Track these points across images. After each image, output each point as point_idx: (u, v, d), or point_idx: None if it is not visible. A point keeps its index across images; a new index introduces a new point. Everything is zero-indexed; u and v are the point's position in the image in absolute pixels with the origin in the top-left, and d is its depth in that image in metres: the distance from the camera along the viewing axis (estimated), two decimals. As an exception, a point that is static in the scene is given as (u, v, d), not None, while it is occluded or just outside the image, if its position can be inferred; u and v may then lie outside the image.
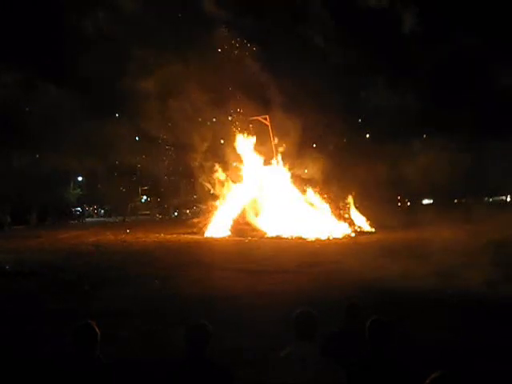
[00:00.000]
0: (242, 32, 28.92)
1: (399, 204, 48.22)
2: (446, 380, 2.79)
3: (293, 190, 28.30)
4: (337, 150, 30.22)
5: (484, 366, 6.06)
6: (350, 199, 28.86)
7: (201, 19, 27.50)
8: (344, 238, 24.68)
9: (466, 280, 10.95)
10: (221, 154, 29.56)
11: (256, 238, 24.57)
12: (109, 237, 26.09)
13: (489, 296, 9.74)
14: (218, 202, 29.20)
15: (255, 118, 29.62)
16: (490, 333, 7.43)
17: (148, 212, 53.82)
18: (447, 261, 13.47)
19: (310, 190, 28.28)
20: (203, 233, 27.23)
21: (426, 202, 51.35)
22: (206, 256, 17.52)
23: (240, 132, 29.36)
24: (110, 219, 46.70)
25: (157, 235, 26.60)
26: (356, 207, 28.78)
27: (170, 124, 28.11)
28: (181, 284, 12.20)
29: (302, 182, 28.76)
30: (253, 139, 29.22)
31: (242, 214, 28.09)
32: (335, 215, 27.55)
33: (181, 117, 27.55)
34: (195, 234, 27.14)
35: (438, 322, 8.04)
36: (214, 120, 30.94)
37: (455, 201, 44.30)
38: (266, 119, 29.45)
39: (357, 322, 4.28)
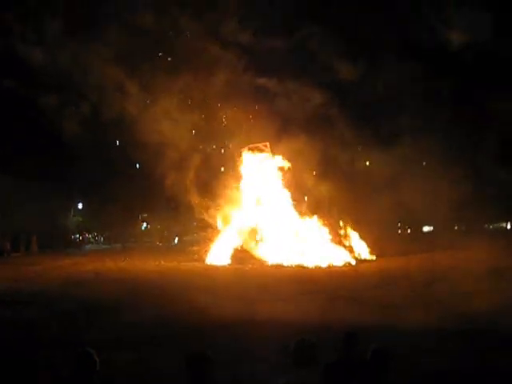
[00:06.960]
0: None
1: (399, 231, 48.14)
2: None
3: (293, 217, 28.28)
4: (337, 176, 30.30)
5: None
6: (351, 226, 28.80)
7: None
8: (344, 266, 24.60)
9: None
10: (221, 182, 29.57)
11: (256, 266, 24.46)
12: (108, 264, 25.94)
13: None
14: (218, 230, 29.12)
15: (255, 145, 29.77)
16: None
17: (148, 239, 53.63)
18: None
19: (310, 217, 28.25)
20: (203, 260, 27.08)
21: (426, 229, 51.21)
22: (205, 284, 17.42)
23: (240, 160, 29.53)
24: (110, 246, 46.51)
25: (156, 263, 26.46)
26: (356, 235, 28.69)
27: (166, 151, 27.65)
28: (179, 312, 12.12)
29: (302, 208, 28.74)
30: (253, 166, 29.36)
31: (243, 242, 28.00)
32: (335, 242, 27.48)
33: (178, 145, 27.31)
34: (195, 261, 27.00)
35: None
36: (214, 147, 31.17)
37: (455, 227, 44.21)
38: (266, 146, 29.59)
39: (355, 350, 4.28)
